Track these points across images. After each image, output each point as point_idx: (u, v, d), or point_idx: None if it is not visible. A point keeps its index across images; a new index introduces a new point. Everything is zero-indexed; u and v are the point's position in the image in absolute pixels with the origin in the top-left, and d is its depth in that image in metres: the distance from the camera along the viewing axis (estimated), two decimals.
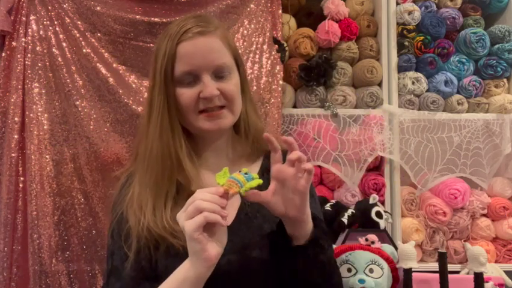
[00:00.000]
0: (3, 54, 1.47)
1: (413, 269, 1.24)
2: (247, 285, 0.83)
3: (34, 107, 1.45)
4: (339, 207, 1.47)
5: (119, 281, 0.83)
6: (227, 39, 0.91)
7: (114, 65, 1.51)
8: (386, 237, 1.41)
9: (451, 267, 1.25)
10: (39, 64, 1.47)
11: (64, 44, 1.49)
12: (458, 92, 1.67)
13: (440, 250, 1.27)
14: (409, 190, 1.63)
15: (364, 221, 1.45)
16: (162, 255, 0.82)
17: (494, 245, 1.62)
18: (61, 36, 1.50)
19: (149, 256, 0.83)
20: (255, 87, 1.54)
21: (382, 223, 1.44)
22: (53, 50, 1.49)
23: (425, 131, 1.62)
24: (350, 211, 1.44)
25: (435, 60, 1.62)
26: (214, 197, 0.71)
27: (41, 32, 1.49)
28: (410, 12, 1.64)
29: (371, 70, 1.60)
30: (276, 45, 1.57)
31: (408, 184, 1.66)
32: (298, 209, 0.76)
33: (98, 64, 1.50)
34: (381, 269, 1.19)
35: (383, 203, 1.57)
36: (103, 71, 1.50)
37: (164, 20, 1.52)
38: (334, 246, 1.28)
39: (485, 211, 1.63)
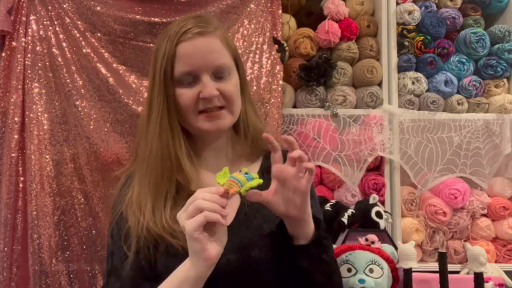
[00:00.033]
0: (3, 54, 1.47)
1: (413, 269, 1.24)
2: (247, 285, 0.83)
3: (34, 107, 1.45)
4: (339, 207, 1.47)
5: (119, 281, 0.83)
6: (226, 40, 0.91)
7: (114, 65, 1.51)
8: (386, 237, 1.41)
9: (450, 267, 1.25)
10: (39, 64, 1.47)
11: (64, 44, 1.49)
12: (458, 92, 1.67)
13: (440, 250, 1.27)
14: (409, 190, 1.63)
15: (364, 221, 1.45)
16: (161, 255, 0.83)
17: (494, 245, 1.62)
18: (61, 36, 1.50)
19: (149, 256, 0.83)
20: (255, 87, 1.54)
21: (382, 223, 1.44)
22: (53, 50, 1.49)
23: (425, 131, 1.62)
24: (350, 211, 1.44)
25: (435, 60, 1.62)
26: (214, 197, 0.71)
27: (41, 32, 1.49)
28: (410, 12, 1.64)
29: (371, 70, 1.60)
30: (276, 45, 1.57)
31: (408, 184, 1.66)
32: (299, 209, 0.76)
33: (98, 64, 1.50)
34: (381, 269, 1.19)
35: (383, 203, 1.57)
36: (103, 71, 1.50)
37: (164, 20, 1.52)
38: (334, 246, 1.28)
39: (485, 211, 1.63)
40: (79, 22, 1.50)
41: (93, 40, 1.51)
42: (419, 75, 1.64)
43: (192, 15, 0.95)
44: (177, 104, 0.87)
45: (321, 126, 1.58)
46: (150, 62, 0.92)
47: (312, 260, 0.80)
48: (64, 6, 1.50)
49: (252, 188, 0.73)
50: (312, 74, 1.56)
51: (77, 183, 1.47)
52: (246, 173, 0.74)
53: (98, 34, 1.51)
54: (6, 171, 1.41)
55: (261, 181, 0.74)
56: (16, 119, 1.44)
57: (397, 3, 1.66)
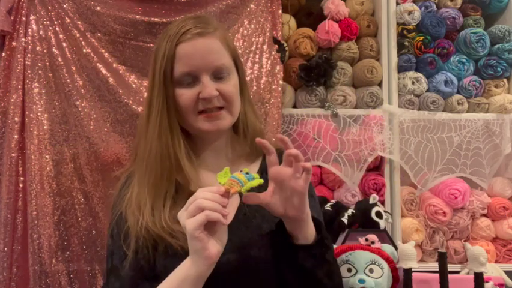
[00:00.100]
0: (3, 54, 1.47)
1: (413, 269, 1.24)
2: (247, 284, 0.83)
3: (34, 107, 1.45)
4: (339, 207, 1.47)
5: (119, 281, 0.83)
6: (226, 40, 0.91)
7: (114, 65, 1.51)
8: (386, 237, 1.41)
9: (450, 267, 1.25)
10: (39, 64, 1.47)
11: (64, 44, 1.49)
12: (458, 92, 1.67)
13: (440, 250, 1.27)
14: (409, 190, 1.63)
15: (364, 221, 1.45)
16: (161, 255, 0.83)
17: (494, 245, 1.62)
18: (61, 36, 1.50)
19: (148, 256, 0.83)
20: (255, 87, 1.54)
21: (382, 223, 1.44)
22: (53, 50, 1.49)
23: (425, 131, 1.62)
24: (350, 211, 1.44)
25: (435, 60, 1.62)
26: (215, 196, 0.71)
27: (41, 32, 1.49)
28: (410, 12, 1.64)
29: (371, 70, 1.60)
30: (276, 45, 1.57)
31: (408, 184, 1.66)
32: (297, 209, 0.77)
33: (98, 64, 1.50)
34: (381, 269, 1.20)
35: (383, 203, 1.57)
36: (103, 71, 1.50)
37: (164, 20, 1.52)
38: (334, 246, 1.28)
39: (485, 211, 1.63)
40: (79, 22, 1.50)
41: (93, 40, 1.51)
42: (419, 75, 1.64)
43: (191, 15, 0.95)
44: (177, 104, 0.87)
45: (321, 126, 1.58)
46: (150, 62, 0.92)
47: (315, 260, 0.81)
48: (64, 6, 1.50)
49: (252, 188, 0.73)
50: (312, 74, 1.56)
51: (77, 183, 1.47)
52: (247, 173, 0.74)
53: (98, 34, 1.51)
54: (6, 171, 1.41)
55: (261, 181, 0.74)
56: (16, 119, 1.44)
57: (397, 3, 1.66)
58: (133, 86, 1.51)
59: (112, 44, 1.52)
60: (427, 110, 1.63)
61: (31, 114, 1.45)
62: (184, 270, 0.74)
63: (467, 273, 1.40)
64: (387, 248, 1.26)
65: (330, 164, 1.57)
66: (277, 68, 1.57)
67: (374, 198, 1.48)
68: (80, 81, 1.49)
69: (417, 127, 1.62)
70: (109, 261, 0.87)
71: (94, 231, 1.47)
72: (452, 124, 1.63)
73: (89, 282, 1.45)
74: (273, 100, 1.55)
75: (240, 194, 0.74)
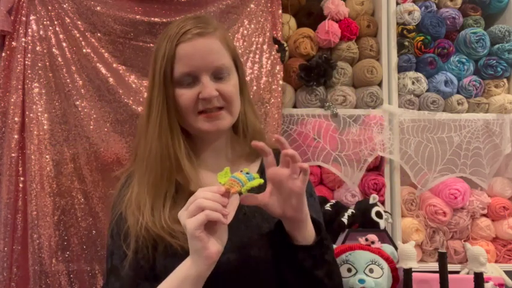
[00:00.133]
0: (3, 54, 1.47)
1: (413, 269, 1.24)
2: (247, 284, 0.83)
3: (34, 107, 1.45)
4: (339, 207, 1.47)
5: (119, 281, 0.83)
6: (226, 41, 0.91)
7: (114, 65, 1.51)
8: (386, 237, 1.41)
9: (451, 267, 1.25)
10: (39, 64, 1.47)
11: (64, 44, 1.49)
12: (458, 92, 1.67)
13: (440, 250, 1.27)
14: (409, 190, 1.63)
15: (364, 221, 1.45)
16: (160, 255, 0.83)
17: (494, 245, 1.62)
18: (61, 36, 1.50)
19: (148, 256, 0.83)
20: (255, 87, 1.54)
21: (382, 223, 1.44)
22: (53, 50, 1.49)
23: (425, 131, 1.62)
24: (350, 211, 1.44)
25: (435, 60, 1.62)
26: (215, 196, 0.71)
27: (41, 32, 1.49)
28: (410, 12, 1.64)
29: (371, 70, 1.60)
30: (276, 45, 1.57)
31: (408, 184, 1.66)
32: (295, 210, 0.77)
33: (98, 64, 1.50)
34: (381, 269, 1.20)
35: (383, 203, 1.57)
36: (103, 71, 1.50)
37: (164, 20, 1.52)
38: (334, 246, 1.28)
39: (485, 211, 1.63)
40: (79, 22, 1.50)
41: (93, 40, 1.51)
42: (419, 75, 1.64)
43: (191, 15, 0.95)
44: (177, 104, 0.87)
45: (321, 126, 1.58)
46: (150, 62, 0.92)
47: (314, 261, 0.81)
48: (64, 6, 1.50)
49: (253, 188, 0.73)
50: (312, 74, 1.56)
51: (77, 183, 1.47)
52: (247, 173, 0.74)
53: (98, 34, 1.51)
54: (6, 171, 1.41)
55: (262, 181, 0.74)
56: (16, 119, 1.44)
57: (397, 3, 1.66)
58: (133, 86, 1.51)
59: (112, 44, 1.52)
60: (427, 110, 1.63)
61: (31, 114, 1.45)
62: (185, 270, 0.74)
63: (467, 273, 1.40)
64: (387, 248, 1.26)
65: (330, 164, 1.57)
66: (277, 68, 1.57)
67: (374, 198, 1.48)
68: (80, 81, 1.49)
69: (417, 127, 1.62)
70: (109, 261, 0.87)
71: (94, 231, 1.47)
72: (452, 124, 1.63)
73: (89, 282, 1.45)
74: (273, 100, 1.55)
75: (240, 193, 0.74)
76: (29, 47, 1.47)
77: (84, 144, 1.48)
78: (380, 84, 1.65)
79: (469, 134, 1.62)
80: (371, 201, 1.47)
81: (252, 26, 1.59)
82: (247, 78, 1.52)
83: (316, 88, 1.60)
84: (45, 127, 1.46)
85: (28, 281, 1.39)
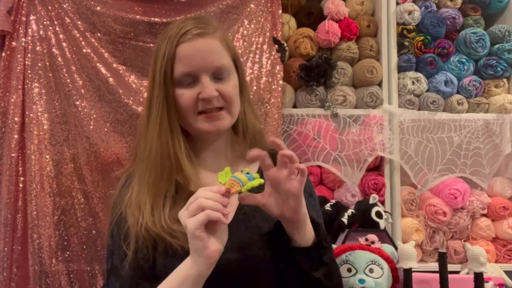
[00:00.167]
0: (3, 54, 1.47)
1: (413, 269, 1.24)
2: (247, 284, 0.83)
3: (34, 107, 1.45)
4: (339, 207, 1.48)
5: (119, 281, 0.83)
6: (226, 41, 0.91)
7: (114, 65, 1.51)
8: (386, 237, 1.41)
9: (451, 267, 1.25)
10: (39, 64, 1.47)
11: (64, 44, 1.50)
12: (458, 92, 1.67)
13: (440, 250, 1.27)
14: (409, 190, 1.63)
15: (364, 221, 1.45)
16: (160, 255, 0.83)
17: (494, 245, 1.62)
18: (61, 36, 1.50)
19: (148, 256, 0.83)
20: (255, 87, 1.54)
21: (382, 223, 1.44)
22: (53, 50, 1.49)
23: (425, 131, 1.62)
24: (350, 211, 1.44)
25: (435, 60, 1.62)
26: (216, 196, 0.71)
27: (41, 32, 1.49)
28: (410, 12, 1.64)
29: (371, 70, 1.60)
30: (276, 45, 1.57)
31: (408, 184, 1.66)
32: (294, 211, 0.77)
33: (98, 64, 1.50)
34: (381, 269, 1.20)
35: (383, 203, 1.57)
36: (103, 71, 1.50)
37: (164, 20, 1.52)
38: (334, 246, 1.28)
39: (485, 211, 1.63)
40: (79, 22, 1.50)
41: (93, 40, 1.51)
42: (419, 75, 1.64)
43: (191, 16, 0.96)
44: (177, 104, 0.87)
45: (321, 126, 1.58)
46: (150, 62, 0.92)
47: (312, 262, 0.81)
48: (64, 6, 1.50)
49: (253, 188, 0.73)
50: (312, 74, 1.57)
51: (77, 183, 1.47)
52: (248, 173, 0.74)
53: (98, 34, 1.51)
54: (6, 171, 1.41)
55: (262, 181, 0.74)
56: (16, 119, 1.44)
57: (397, 3, 1.66)
58: (133, 86, 1.51)
59: (112, 44, 1.52)
60: (427, 110, 1.63)
61: (31, 114, 1.45)
62: (185, 269, 0.74)
63: (467, 273, 1.40)
64: (387, 248, 1.26)
65: (330, 164, 1.57)
66: (277, 68, 1.57)
67: (374, 198, 1.48)
68: (80, 81, 1.49)
69: (417, 127, 1.62)
70: (109, 262, 0.87)
71: (94, 231, 1.47)
72: (452, 124, 1.63)
73: (89, 282, 1.45)
74: (273, 100, 1.55)
75: (241, 193, 0.74)
76: (29, 47, 1.47)
77: (84, 144, 1.48)
78: (380, 84, 1.65)
79: (469, 134, 1.62)
80: (371, 201, 1.47)
81: (252, 26, 1.59)
82: (247, 78, 1.52)
83: (316, 88, 1.60)
84: (45, 127, 1.46)
85: (28, 281, 1.39)
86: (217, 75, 0.88)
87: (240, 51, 1.54)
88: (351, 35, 1.63)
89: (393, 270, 1.24)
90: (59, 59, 1.49)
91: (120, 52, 1.53)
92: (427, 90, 1.65)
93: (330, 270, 0.84)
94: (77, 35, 1.50)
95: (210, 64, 0.86)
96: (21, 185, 1.44)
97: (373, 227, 1.43)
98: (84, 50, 1.50)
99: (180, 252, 0.78)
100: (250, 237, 0.85)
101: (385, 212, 1.49)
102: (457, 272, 1.47)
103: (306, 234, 0.81)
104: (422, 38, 1.62)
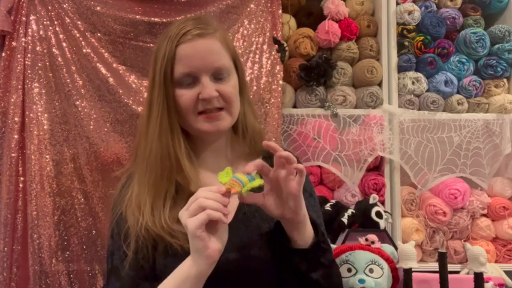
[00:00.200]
0: (3, 54, 1.47)
1: (413, 269, 1.24)
2: (246, 284, 0.83)
3: (34, 107, 1.45)
4: (339, 207, 1.48)
5: (119, 281, 0.83)
6: (226, 42, 0.91)
7: (114, 65, 1.51)
8: (386, 237, 1.41)
9: (451, 267, 1.25)
10: (39, 64, 1.47)
11: (64, 44, 1.50)
12: (458, 92, 1.67)
13: (440, 250, 1.27)
14: (409, 190, 1.63)
15: (364, 221, 1.45)
16: (160, 255, 0.83)
17: (494, 245, 1.62)
18: (61, 36, 1.50)
19: (148, 256, 0.83)
20: (255, 87, 1.54)
21: (382, 223, 1.44)
22: (53, 50, 1.49)
23: (425, 131, 1.62)
24: (350, 211, 1.44)
25: (435, 60, 1.62)
26: (216, 195, 0.71)
27: (41, 32, 1.49)
28: (410, 12, 1.64)
29: (371, 70, 1.60)
30: (276, 45, 1.57)
31: (408, 184, 1.66)
32: (293, 211, 0.77)
33: (98, 64, 1.50)
34: (381, 269, 1.20)
35: (383, 203, 1.57)
36: (103, 71, 1.50)
37: (164, 20, 1.52)
38: (334, 246, 1.28)
39: (485, 211, 1.63)
40: (79, 22, 1.50)
41: (93, 40, 1.51)
42: (419, 75, 1.64)
43: (191, 16, 0.95)
44: (177, 104, 0.87)
45: (321, 126, 1.58)
46: (150, 62, 0.92)
47: (310, 264, 0.81)
48: (64, 6, 1.50)
49: (253, 189, 0.73)
50: (312, 74, 1.57)
51: (77, 183, 1.47)
52: (248, 174, 0.74)
53: (98, 34, 1.51)
54: (6, 171, 1.41)
55: (262, 182, 0.74)
56: (16, 119, 1.44)
57: (397, 3, 1.66)
58: (133, 86, 1.51)
59: (112, 44, 1.52)
60: (427, 110, 1.63)
61: (31, 114, 1.45)
62: (185, 269, 0.74)
63: (467, 273, 1.40)
64: (387, 248, 1.26)
65: (330, 164, 1.57)
66: (277, 68, 1.57)
67: (374, 198, 1.48)
68: (80, 81, 1.49)
69: (417, 127, 1.62)
70: (109, 262, 0.87)
71: (94, 231, 1.47)
72: (452, 124, 1.63)
73: (89, 282, 1.45)
74: (273, 100, 1.55)
75: (241, 194, 0.74)
76: (29, 47, 1.47)
77: (84, 144, 1.48)
78: (380, 84, 1.65)
79: (469, 134, 1.62)
80: (371, 201, 1.47)
81: (252, 26, 1.59)
82: (247, 78, 1.52)
83: (316, 88, 1.60)
84: (45, 127, 1.46)
85: (28, 281, 1.39)
86: (217, 76, 0.88)
87: (240, 51, 1.54)
88: (351, 35, 1.63)
89: (393, 270, 1.24)
90: (59, 59, 1.49)
91: (120, 52, 1.53)
92: (427, 90, 1.65)
93: (329, 272, 0.84)
94: (77, 35, 1.50)
95: (210, 64, 0.86)
96: (21, 185, 1.44)
97: (373, 227, 1.43)
98: (84, 50, 1.50)
99: (180, 252, 0.78)
100: (250, 237, 0.85)
101: (385, 212, 1.49)
102: (457, 272, 1.47)
103: (306, 235, 0.81)
104: (422, 38, 1.62)
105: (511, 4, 1.74)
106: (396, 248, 1.29)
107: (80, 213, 1.46)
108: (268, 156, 0.85)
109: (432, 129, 1.62)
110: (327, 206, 1.47)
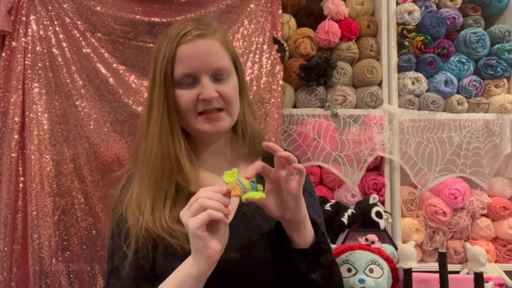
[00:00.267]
0: (3, 54, 1.47)
1: (413, 269, 1.24)
2: (246, 284, 0.83)
3: (34, 107, 1.45)
4: (339, 207, 1.48)
5: (120, 281, 0.84)
6: (226, 42, 0.91)
7: (114, 65, 1.51)
8: (386, 237, 1.41)
9: (451, 267, 1.25)
10: (39, 64, 1.47)
11: (64, 44, 1.50)
12: (458, 92, 1.67)
13: (440, 250, 1.27)
14: (409, 190, 1.63)
15: (364, 221, 1.45)
16: (160, 255, 0.83)
17: (494, 245, 1.62)
18: (61, 36, 1.50)
19: (148, 256, 0.83)
20: (255, 87, 1.54)
21: (382, 223, 1.44)
22: (53, 50, 1.49)
23: (425, 131, 1.62)
24: (350, 211, 1.44)
25: (435, 60, 1.62)
26: (217, 195, 0.71)
27: (41, 32, 1.49)
28: (410, 12, 1.64)
29: (371, 70, 1.60)
30: (276, 45, 1.57)
31: (408, 184, 1.66)
32: (293, 211, 0.77)
33: (98, 64, 1.50)
34: (381, 269, 1.20)
35: (383, 203, 1.57)
36: (103, 71, 1.50)
37: (164, 20, 1.52)
38: (334, 246, 1.28)
39: (485, 211, 1.63)
40: (79, 22, 1.51)
41: (93, 40, 1.51)
42: (419, 75, 1.64)
43: (192, 17, 0.96)
44: (177, 105, 0.87)
45: (321, 126, 1.58)
46: (150, 63, 0.92)
47: (309, 264, 0.81)
48: (64, 6, 1.50)
49: (253, 199, 0.73)
50: (312, 74, 1.57)
51: (77, 183, 1.47)
52: (253, 181, 0.74)
53: (98, 34, 1.51)
54: (6, 171, 1.41)
55: (263, 195, 0.73)
56: (16, 119, 1.44)
57: (397, 3, 1.66)
58: (133, 86, 1.51)
59: (112, 44, 1.52)
60: (427, 110, 1.63)
61: (31, 114, 1.45)
62: (186, 269, 0.74)
63: (467, 273, 1.40)
64: (387, 248, 1.26)
65: (330, 164, 1.57)
66: (277, 68, 1.57)
67: (374, 198, 1.48)
68: (80, 81, 1.49)
69: (417, 127, 1.62)
70: (109, 262, 0.87)
71: (94, 231, 1.47)
72: (452, 124, 1.63)
73: (89, 282, 1.45)
74: (273, 100, 1.55)
75: (240, 198, 0.74)
76: (29, 47, 1.47)
77: (84, 144, 1.48)
78: (380, 84, 1.65)
79: (469, 134, 1.62)
80: (371, 201, 1.47)
81: (252, 26, 1.59)
82: (247, 78, 1.52)
83: (316, 88, 1.60)
84: (45, 127, 1.46)
85: (28, 281, 1.40)
86: (217, 76, 0.88)
87: (240, 51, 1.54)
88: (351, 35, 1.63)
89: (393, 270, 1.24)
90: (59, 59, 1.49)
91: (120, 52, 1.53)
92: (427, 90, 1.65)
93: (329, 272, 0.84)
94: (77, 35, 1.50)
95: (210, 65, 0.86)
96: (21, 185, 1.44)
97: (373, 227, 1.43)
98: (84, 50, 1.50)
99: (180, 252, 0.78)
100: (250, 237, 0.85)
101: (385, 212, 1.49)
102: (457, 272, 1.47)
103: (306, 235, 0.81)
104: (422, 38, 1.62)
105: (511, 4, 1.74)
106: (396, 248, 1.29)
107: (80, 213, 1.46)
108: (268, 157, 0.85)
109: (432, 129, 1.62)
110: (327, 206, 1.47)
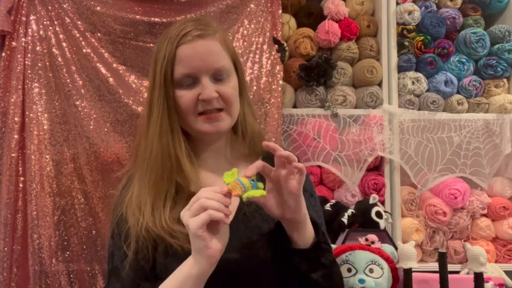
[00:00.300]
0: (3, 54, 1.47)
1: (413, 269, 1.24)
2: (247, 284, 0.83)
3: (34, 107, 1.45)
4: (339, 207, 1.48)
5: (120, 281, 0.84)
6: (226, 43, 0.91)
7: (114, 65, 1.51)
8: (386, 237, 1.41)
9: (451, 267, 1.25)
10: (39, 64, 1.47)
11: (64, 44, 1.50)
12: (458, 92, 1.67)
13: (440, 250, 1.27)
14: (409, 190, 1.63)
15: (364, 221, 1.45)
16: (161, 255, 0.83)
17: (494, 245, 1.62)
18: (61, 36, 1.50)
19: (148, 256, 0.83)
20: (255, 87, 1.54)
21: (382, 223, 1.44)
22: (53, 50, 1.49)
23: (425, 131, 1.62)
24: (350, 211, 1.44)
25: (435, 60, 1.62)
26: (218, 196, 0.72)
27: (41, 32, 1.49)
28: (410, 12, 1.64)
29: (371, 70, 1.60)
30: (276, 45, 1.57)
31: (408, 184, 1.66)
32: (293, 211, 0.77)
33: (98, 64, 1.50)
34: (381, 269, 1.20)
35: (383, 203, 1.57)
36: (103, 71, 1.50)
37: (164, 20, 1.52)
38: (334, 246, 1.28)
39: (485, 211, 1.63)
40: (79, 22, 1.50)
41: (93, 40, 1.51)
42: (419, 75, 1.64)
43: (192, 17, 0.96)
44: (177, 105, 0.87)
45: (321, 126, 1.58)
46: (150, 63, 0.92)
47: (310, 264, 0.81)
48: (64, 6, 1.50)
49: (254, 197, 0.73)
50: (312, 74, 1.57)
51: (77, 183, 1.47)
52: (253, 180, 0.74)
53: (98, 34, 1.51)
54: (6, 171, 1.41)
55: (264, 193, 0.74)
56: (16, 119, 1.44)
57: (397, 3, 1.66)
58: (133, 86, 1.51)
59: (112, 44, 1.52)
60: (427, 110, 1.63)
61: (31, 114, 1.45)
62: (186, 269, 0.74)
63: (467, 273, 1.40)
64: (387, 248, 1.26)
65: (330, 164, 1.57)
66: (277, 68, 1.57)
67: (374, 198, 1.48)
68: (80, 81, 1.49)
69: (417, 127, 1.62)
70: (110, 262, 0.87)
71: (94, 231, 1.47)
72: (452, 124, 1.63)
73: (89, 282, 1.45)
74: (273, 100, 1.55)
75: (240, 198, 0.74)
76: (29, 47, 1.47)
77: (84, 144, 1.48)
78: (380, 84, 1.65)
79: (469, 134, 1.62)
80: (371, 201, 1.47)
81: (252, 26, 1.59)
82: (247, 79, 1.52)
83: (316, 88, 1.60)
84: (45, 127, 1.46)
85: (28, 281, 1.39)
86: (217, 77, 0.88)
87: (240, 51, 1.54)
88: (351, 35, 1.63)
89: (393, 270, 1.24)
90: (59, 59, 1.49)
91: (120, 52, 1.53)
92: (427, 90, 1.65)
93: (329, 272, 0.84)
94: (77, 35, 1.50)
95: (210, 65, 0.87)
96: (21, 185, 1.44)
97: (373, 227, 1.43)
98: (84, 50, 1.50)
99: (180, 252, 0.78)
100: (250, 237, 0.85)
101: (385, 212, 1.49)
102: (457, 272, 1.47)
103: (306, 235, 0.81)
104: (422, 38, 1.62)
105: (511, 4, 1.74)
106: (396, 248, 1.29)
107: (80, 213, 1.46)
108: (268, 157, 0.85)
109: (432, 129, 1.62)
110: (327, 206, 1.47)
